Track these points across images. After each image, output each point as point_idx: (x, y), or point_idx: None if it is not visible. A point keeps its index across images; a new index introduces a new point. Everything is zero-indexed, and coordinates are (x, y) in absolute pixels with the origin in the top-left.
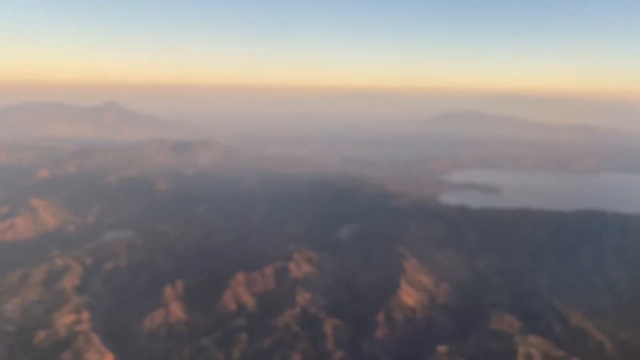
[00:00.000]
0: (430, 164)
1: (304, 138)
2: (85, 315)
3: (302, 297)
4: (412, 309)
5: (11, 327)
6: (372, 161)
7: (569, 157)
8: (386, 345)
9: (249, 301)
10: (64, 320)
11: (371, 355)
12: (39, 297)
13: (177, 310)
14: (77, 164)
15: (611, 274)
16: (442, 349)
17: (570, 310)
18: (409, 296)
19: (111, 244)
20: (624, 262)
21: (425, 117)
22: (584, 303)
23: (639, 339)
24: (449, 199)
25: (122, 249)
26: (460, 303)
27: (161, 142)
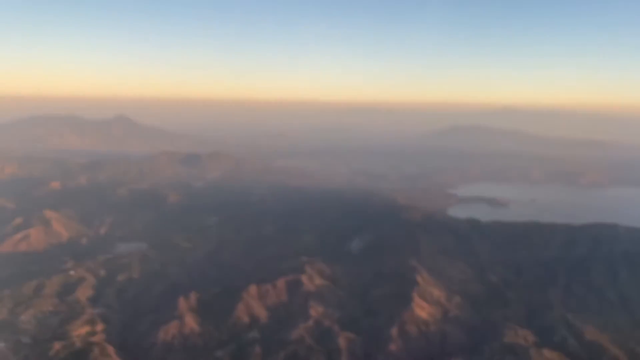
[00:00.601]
0: (437, 177)
1: (311, 151)
2: (99, 326)
3: (316, 310)
4: (425, 322)
5: (27, 338)
6: (380, 174)
7: (576, 171)
8: (400, 358)
9: (262, 314)
10: (79, 331)
11: None
12: (54, 308)
13: (191, 323)
14: (88, 177)
15: (624, 288)
16: None
17: (585, 324)
18: (422, 310)
19: (124, 256)
20: (637, 276)
21: (430, 131)
22: (598, 317)
23: None
24: (458, 212)
25: (134, 260)
26: (474, 316)
27: (171, 155)
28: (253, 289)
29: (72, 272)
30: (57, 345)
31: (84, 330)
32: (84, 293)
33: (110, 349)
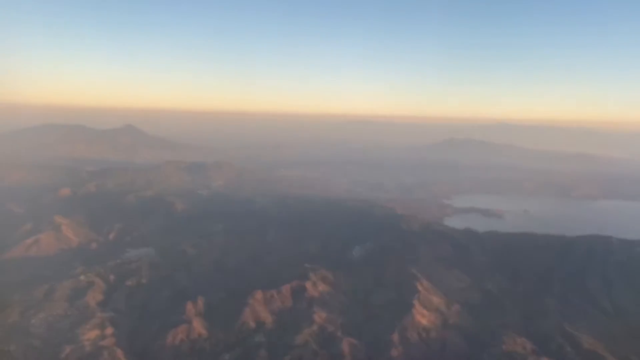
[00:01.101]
0: (433, 188)
1: (310, 162)
2: (109, 330)
3: (319, 316)
4: (426, 329)
5: (38, 342)
6: (378, 184)
7: (568, 184)
8: None
9: (268, 319)
10: (89, 335)
11: None
12: (64, 312)
13: (198, 327)
14: (96, 184)
15: (619, 298)
16: None
17: (581, 332)
18: (422, 316)
19: (133, 261)
20: (632, 287)
21: (425, 143)
22: (593, 326)
23: None
24: (454, 222)
25: (143, 266)
26: (472, 324)
27: (177, 164)
28: (259, 294)
29: (82, 277)
30: (67, 349)
31: (94, 334)
32: (93, 297)
33: (120, 353)
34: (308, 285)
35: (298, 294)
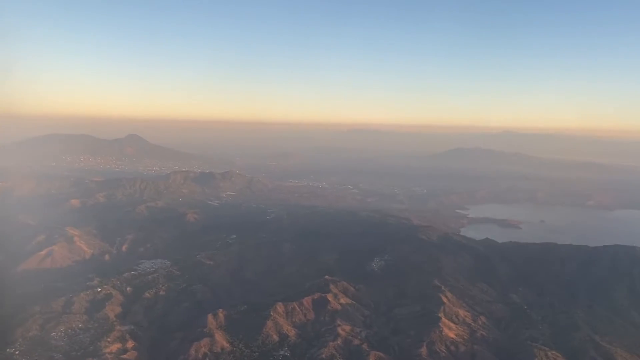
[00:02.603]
0: (446, 198)
1: (319, 171)
2: (130, 344)
3: (343, 329)
4: (454, 342)
5: (59, 355)
6: (390, 194)
7: (582, 193)
8: None
9: (291, 332)
10: (110, 348)
11: None
12: (84, 325)
13: (221, 340)
14: (105, 194)
15: None
16: None
17: (612, 345)
18: (450, 329)
19: (149, 273)
20: None
21: (433, 152)
22: (622, 338)
23: None
24: (471, 233)
25: (160, 278)
26: (501, 337)
27: (185, 174)
28: (280, 306)
29: (99, 289)
30: None
31: (115, 347)
32: (112, 310)
33: None
34: (330, 297)
35: (319, 307)
